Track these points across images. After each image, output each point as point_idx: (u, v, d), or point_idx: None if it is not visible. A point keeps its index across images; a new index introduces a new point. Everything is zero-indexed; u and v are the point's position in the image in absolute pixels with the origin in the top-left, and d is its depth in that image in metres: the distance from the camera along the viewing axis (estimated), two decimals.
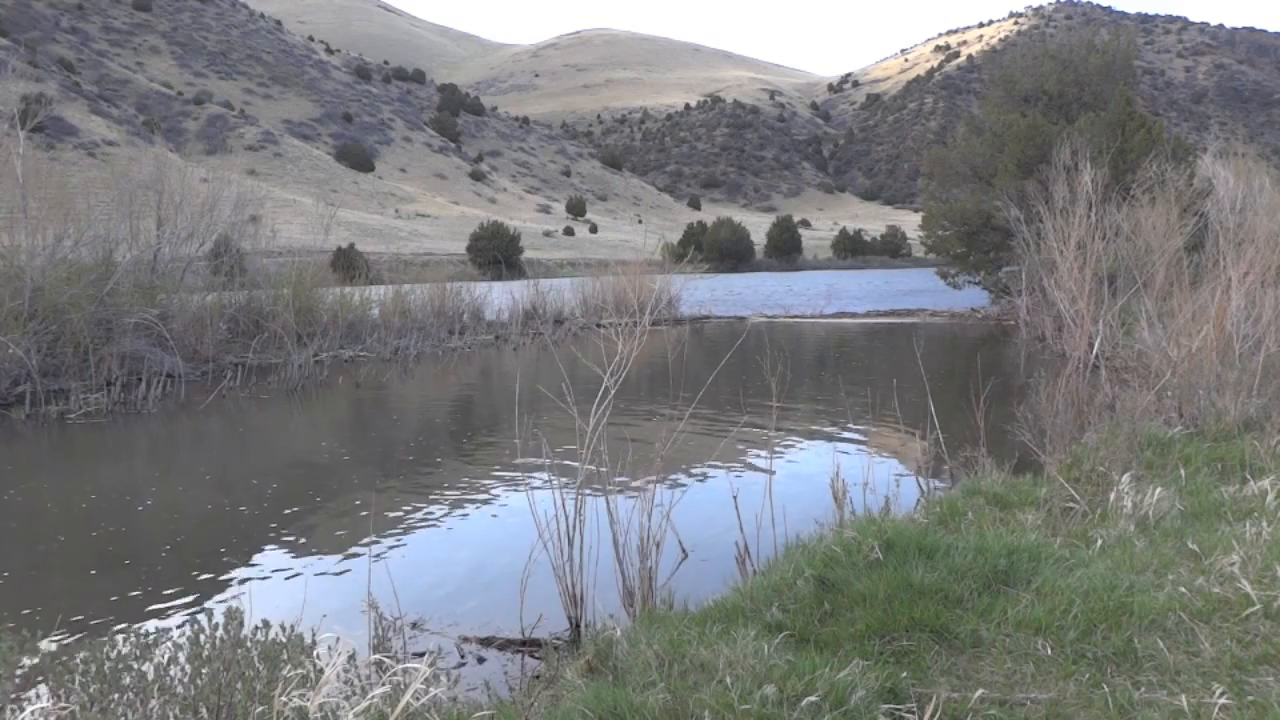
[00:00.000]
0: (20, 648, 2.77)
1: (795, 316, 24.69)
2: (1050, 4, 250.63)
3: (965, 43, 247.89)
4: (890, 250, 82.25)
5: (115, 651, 2.71)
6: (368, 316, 18.49)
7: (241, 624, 2.79)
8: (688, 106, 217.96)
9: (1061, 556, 3.41)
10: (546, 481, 6.63)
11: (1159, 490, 3.96)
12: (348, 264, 24.33)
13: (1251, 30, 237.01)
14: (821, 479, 5.20)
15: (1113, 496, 4.50)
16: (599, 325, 6.26)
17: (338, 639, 2.77)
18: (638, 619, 3.51)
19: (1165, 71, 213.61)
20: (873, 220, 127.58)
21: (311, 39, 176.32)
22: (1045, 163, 16.46)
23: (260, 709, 2.44)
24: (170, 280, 15.37)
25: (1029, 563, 3.31)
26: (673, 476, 6.91)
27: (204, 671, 2.63)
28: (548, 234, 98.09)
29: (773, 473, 4.88)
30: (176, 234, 15.99)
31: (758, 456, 7.78)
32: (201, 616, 2.83)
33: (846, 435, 8.87)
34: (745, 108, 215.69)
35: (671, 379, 8.94)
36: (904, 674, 2.55)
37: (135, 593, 4.97)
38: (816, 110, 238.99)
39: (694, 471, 7.36)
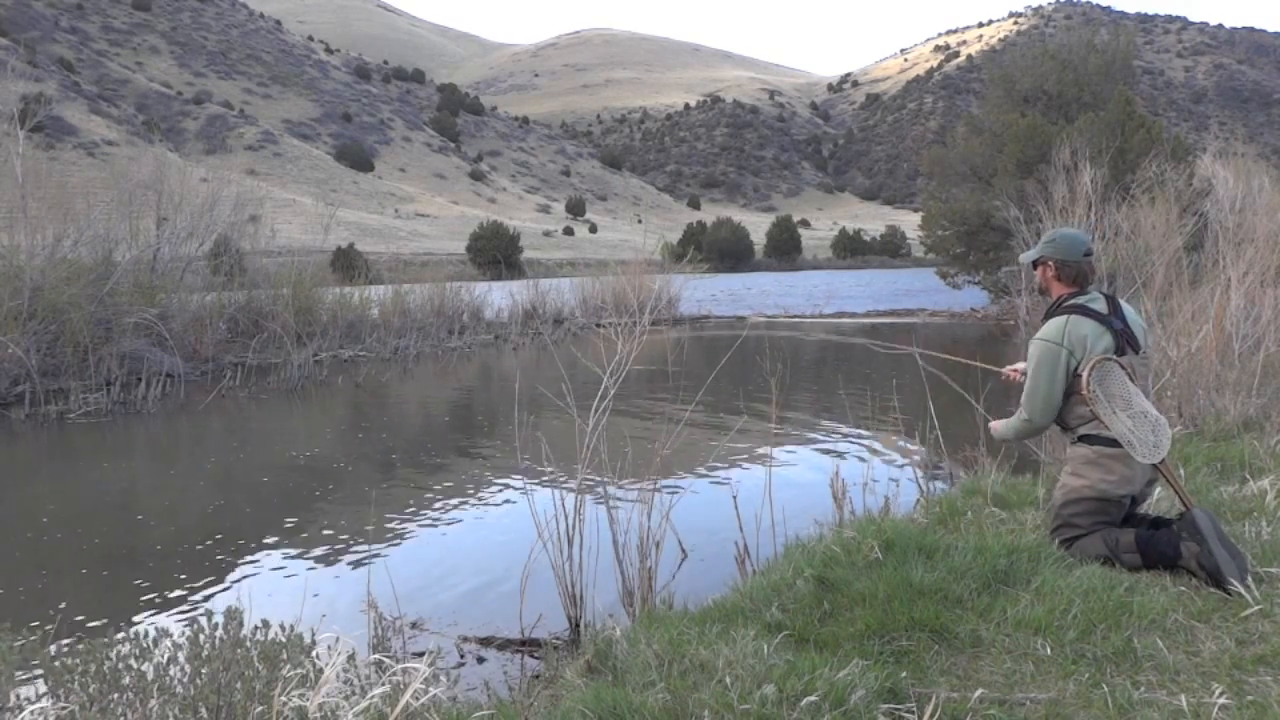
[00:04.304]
0: (20, 648, 2.77)
1: (795, 316, 24.70)
2: (1050, 4, 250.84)
3: (965, 43, 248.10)
4: (890, 250, 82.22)
5: (115, 651, 2.70)
6: (367, 316, 18.50)
7: (241, 624, 2.79)
8: (687, 106, 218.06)
9: (1061, 555, 3.41)
10: (546, 481, 6.64)
11: (1158, 489, 3.96)
12: (347, 264, 24.37)
13: (1251, 30, 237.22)
14: (821, 479, 5.21)
15: None
16: (598, 325, 6.27)
17: (337, 639, 2.76)
18: (637, 619, 3.51)
19: (1165, 71, 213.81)
20: (872, 220, 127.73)
21: (311, 39, 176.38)
22: (1045, 163, 16.47)
23: (260, 709, 2.44)
24: (170, 280, 15.37)
25: (1029, 562, 3.30)
26: (672, 476, 6.91)
27: (203, 671, 2.63)
28: (547, 234, 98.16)
29: (772, 472, 4.88)
30: (176, 234, 16.00)
31: (757, 456, 7.78)
32: (201, 616, 2.83)
33: (846, 435, 8.87)
34: (745, 108, 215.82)
35: (671, 379, 8.95)
36: (904, 674, 2.55)
37: (135, 593, 4.97)
38: (816, 110, 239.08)
39: (693, 471, 7.37)
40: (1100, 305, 3.56)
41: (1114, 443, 3.40)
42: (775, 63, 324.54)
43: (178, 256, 16.04)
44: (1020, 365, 3.97)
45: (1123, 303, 3.67)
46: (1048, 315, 3.67)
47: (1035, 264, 3.79)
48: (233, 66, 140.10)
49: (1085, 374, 3.40)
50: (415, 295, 19.97)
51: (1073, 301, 3.59)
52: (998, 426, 3.86)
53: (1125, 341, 3.51)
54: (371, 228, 78.70)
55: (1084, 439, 3.53)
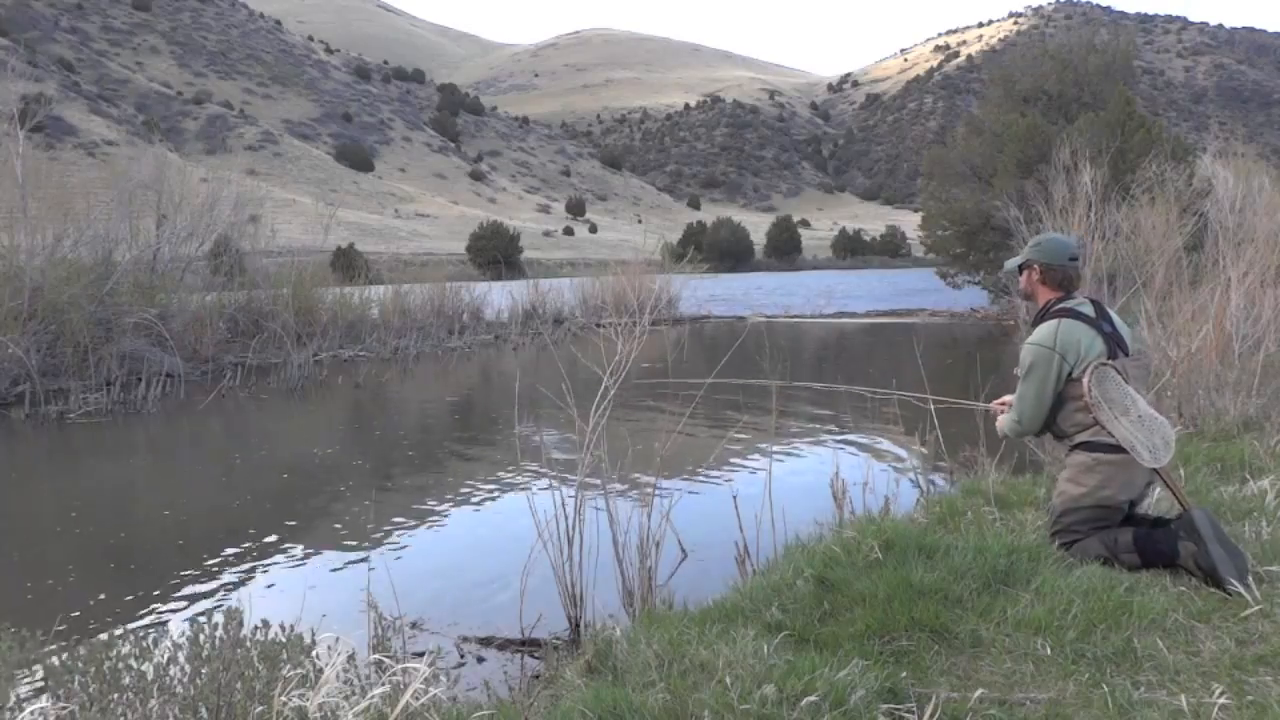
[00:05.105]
0: (20, 647, 2.77)
1: (795, 316, 24.70)
2: (1050, 4, 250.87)
3: (965, 43, 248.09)
4: (890, 250, 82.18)
5: (115, 651, 2.70)
6: (367, 316, 18.49)
7: (241, 624, 2.79)
8: (687, 106, 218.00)
9: (1061, 556, 3.41)
10: (546, 481, 6.64)
11: (1157, 489, 3.96)
12: (347, 264, 24.32)
13: (1251, 30, 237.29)
14: (821, 479, 5.20)
15: None
16: (599, 325, 6.26)
17: (337, 639, 2.76)
18: (637, 619, 3.51)
19: (1165, 71, 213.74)
20: (872, 220, 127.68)
21: (311, 39, 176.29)
22: (1045, 163, 16.46)
23: (260, 709, 2.44)
24: (170, 280, 15.36)
25: (1029, 562, 3.30)
26: (672, 476, 6.90)
27: (203, 671, 2.63)
28: (547, 234, 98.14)
29: (772, 472, 4.88)
30: (176, 234, 15.99)
31: (757, 456, 7.78)
32: (201, 616, 2.83)
33: (846, 435, 8.87)
34: (745, 108, 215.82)
35: (671, 379, 8.94)
36: (904, 674, 2.55)
37: (135, 593, 4.97)
38: (816, 110, 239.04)
39: (693, 471, 7.37)
40: (1088, 309, 3.57)
41: (1114, 448, 3.40)
42: (775, 63, 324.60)
43: (178, 256, 16.03)
44: (1008, 398, 3.98)
45: (1107, 307, 3.70)
46: (1036, 320, 3.68)
47: (1021, 268, 3.80)
48: (233, 66, 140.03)
49: (1086, 380, 3.40)
50: (415, 295, 19.96)
51: (1061, 305, 3.59)
52: (999, 423, 3.90)
53: (1115, 345, 3.52)
54: (371, 228, 78.67)
55: (1082, 446, 3.52)
